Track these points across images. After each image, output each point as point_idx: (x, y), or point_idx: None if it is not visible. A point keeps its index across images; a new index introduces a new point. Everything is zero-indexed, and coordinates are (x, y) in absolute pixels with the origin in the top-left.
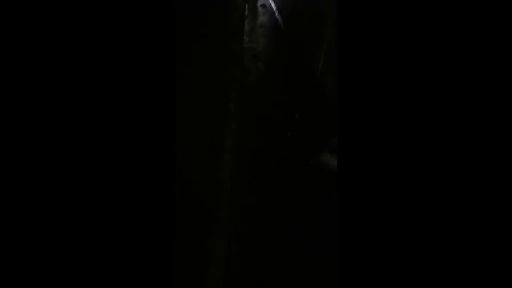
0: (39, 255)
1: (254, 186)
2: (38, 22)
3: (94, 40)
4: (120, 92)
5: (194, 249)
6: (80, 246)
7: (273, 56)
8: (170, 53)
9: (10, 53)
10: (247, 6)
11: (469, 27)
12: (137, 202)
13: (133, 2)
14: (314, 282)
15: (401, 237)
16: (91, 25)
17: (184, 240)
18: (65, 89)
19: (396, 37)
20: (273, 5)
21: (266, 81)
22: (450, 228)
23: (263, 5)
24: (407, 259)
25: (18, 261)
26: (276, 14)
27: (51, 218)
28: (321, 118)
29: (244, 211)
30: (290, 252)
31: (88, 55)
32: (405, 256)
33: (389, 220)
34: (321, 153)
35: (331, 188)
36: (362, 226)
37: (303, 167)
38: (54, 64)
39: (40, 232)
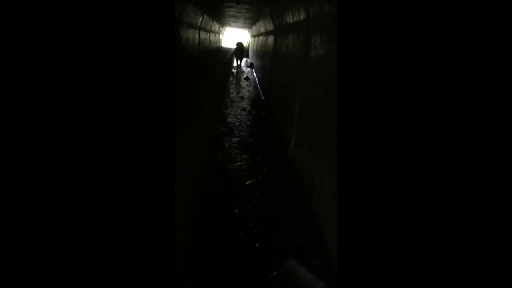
0: (39, 254)
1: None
2: (44, 21)
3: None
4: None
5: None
6: (79, 241)
7: (248, 132)
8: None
9: (9, 53)
10: (230, 80)
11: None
12: (136, 195)
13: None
14: None
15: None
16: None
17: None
18: (67, 89)
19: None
20: (256, 78)
21: (235, 159)
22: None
23: (247, 78)
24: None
25: (17, 260)
26: (258, 85)
27: (51, 215)
28: (292, 206)
29: None
30: None
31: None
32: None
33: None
34: (287, 258)
35: None
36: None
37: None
38: (54, 63)
39: (40, 231)
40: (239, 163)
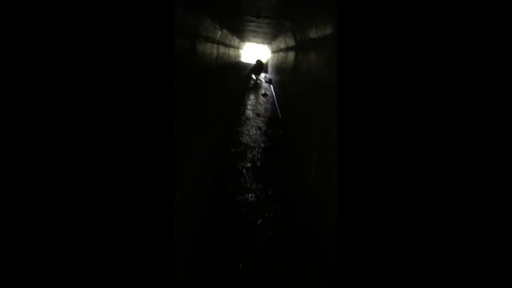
0: (39, 254)
1: None
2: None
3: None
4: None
5: None
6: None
7: (262, 155)
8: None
9: (9, 53)
10: (247, 95)
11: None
12: (137, 195)
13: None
14: None
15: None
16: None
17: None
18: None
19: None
20: (274, 94)
21: (246, 190)
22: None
23: (265, 94)
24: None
25: (17, 260)
26: (276, 102)
27: (53, 215)
28: (314, 257)
29: None
30: None
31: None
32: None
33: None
34: None
35: None
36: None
37: None
38: (56, 64)
39: (41, 231)
40: (250, 194)
